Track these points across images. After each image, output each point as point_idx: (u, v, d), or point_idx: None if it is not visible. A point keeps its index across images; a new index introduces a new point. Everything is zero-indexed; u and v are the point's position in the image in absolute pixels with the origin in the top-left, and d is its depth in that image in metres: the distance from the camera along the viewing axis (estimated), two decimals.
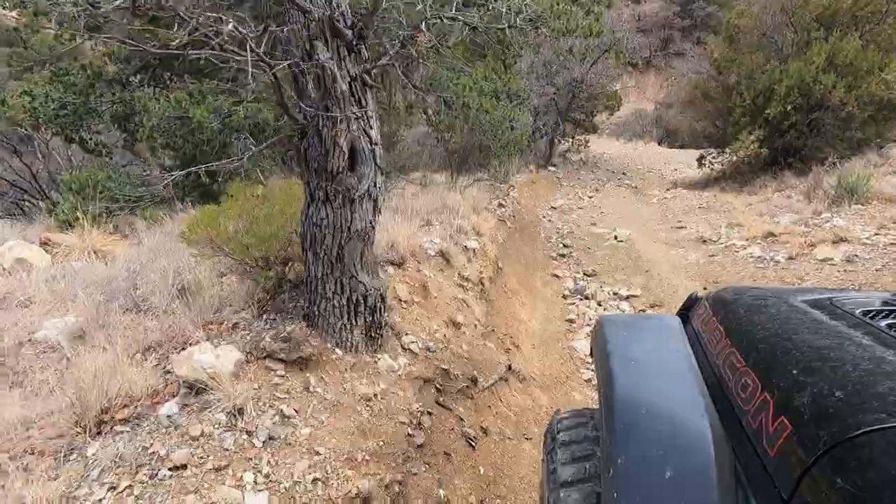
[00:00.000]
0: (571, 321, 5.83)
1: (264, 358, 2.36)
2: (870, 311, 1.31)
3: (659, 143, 24.31)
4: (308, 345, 2.44)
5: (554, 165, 15.11)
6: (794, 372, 1.04)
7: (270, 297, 2.94)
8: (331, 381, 2.45)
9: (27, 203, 8.70)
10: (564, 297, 6.73)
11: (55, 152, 10.48)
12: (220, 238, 2.81)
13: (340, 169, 2.29)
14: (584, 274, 7.53)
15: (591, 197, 12.70)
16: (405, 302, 3.40)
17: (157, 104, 6.18)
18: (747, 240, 7.27)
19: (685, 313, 1.86)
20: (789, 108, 10.37)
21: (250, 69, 1.64)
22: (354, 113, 2.30)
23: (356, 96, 2.31)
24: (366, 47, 2.32)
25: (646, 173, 16.94)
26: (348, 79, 2.25)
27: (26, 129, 10.31)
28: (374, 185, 2.47)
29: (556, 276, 7.51)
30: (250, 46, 1.68)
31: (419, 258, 4.14)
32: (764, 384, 1.09)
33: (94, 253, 5.54)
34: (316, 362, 2.47)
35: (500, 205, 10.03)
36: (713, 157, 13.44)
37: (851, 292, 1.67)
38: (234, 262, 3.20)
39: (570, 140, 16.31)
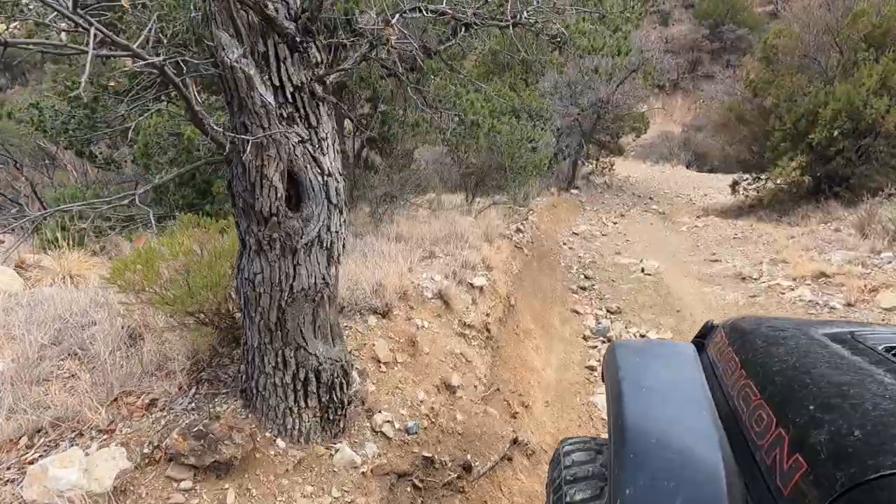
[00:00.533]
0: (592, 368, 5.06)
1: (169, 461, 1.72)
2: (893, 348, 1.24)
3: (687, 167, 23.31)
4: (231, 442, 1.78)
5: (577, 188, 14.35)
6: (812, 408, 1.00)
7: (209, 361, 2.32)
8: (260, 494, 1.79)
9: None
10: (585, 337, 5.95)
11: (70, 166, 10.29)
12: (148, 285, 2.22)
13: (274, 209, 1.65)
14: (608, 311, 6.74)
15: (615, 223, 11.88)
16: (385, 364, 2.73)
17: (150, 120, 5.74)
18: (794, 279, 6.38)
19: (700, 341, 1.79)
20: (836, 133, 9.43)
21: (89, 64, 1.02)
22: (299, 135, 1.67)
23: (302, 112, 1.68)
24: (317, 47, 1.70)
25: (674, 198, 16.01)
26: (291, 87, 1.63)
27: (42, 143, 10.14)
28: (328, 230, 1.83)
29: (576, 312, 6.74)
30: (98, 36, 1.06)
31: (412, 302, 3.48)
32: (779, 419, 1.06)
33: (70, 277, 5.05)
34: (243, 464, 1.82)
35: (518, 230, 9.34)
36: (748, 184, 12.49)
37: (876, 326, 1.59)
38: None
39: (595, 162, 15.54)
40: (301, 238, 1.75)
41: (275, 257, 1.75)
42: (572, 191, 13.98)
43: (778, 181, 10.54)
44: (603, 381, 1.69)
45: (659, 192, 16.64)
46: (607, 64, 12.42)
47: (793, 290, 6.13)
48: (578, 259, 8.95)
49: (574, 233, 10.73)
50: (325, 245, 1.85)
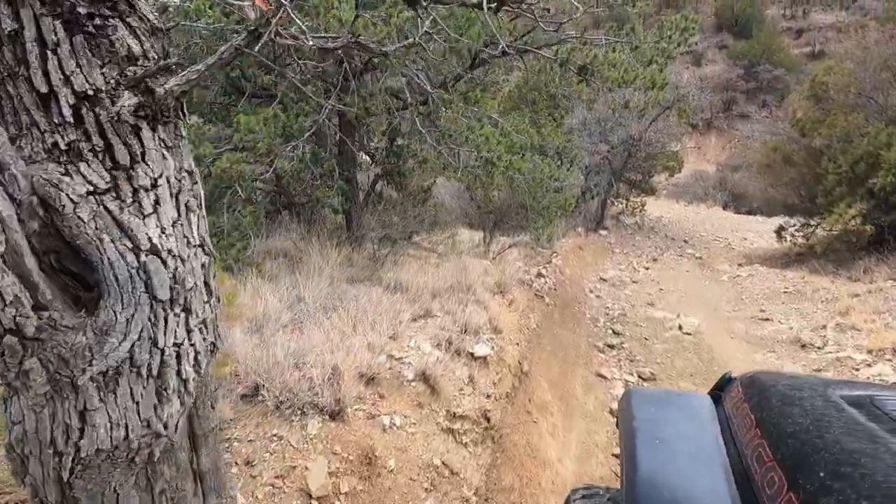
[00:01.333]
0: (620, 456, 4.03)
1: None
2: None
3: (723, 208, 21.94)
4: None
5: (605, 229, 13.35)
6: (822, 474, 0.98)
7: None
8: None
9: None
10: (612, 412, 4.95)
11: None
12: None
13: (16, 319, 0.87)
14: (639, 377, 5.71)
15: (647, 268, 10.79)
16: (319, 500, 1.88)
17: None
18: (870, 352, 5.22)
19: (717, 393, 1.71)
20: None
21: None
22: (87, 181, 0.91)
23: (97, 140, 0.92)
24: (133, 29, 0.95)
25: (711, 242, 14.78)
26: (71, 97, 0.87)
27: None
28: (155, 346, 1.03)
29: (603, 377, 5.73)
30: None
31: (384, 388, 2.65)
32: (790, 483, 1.03)
33: None
34: None
35: (540, 274, 8.42)
36: (796, 229, 11.26)
37: None
38: None
39: (625, 202, 14.55)
40: (91, 364, 0.95)
41: (41, 400, 0.95)
42: (601, 232, 13.00)
43: (833, 229, 9.32)
44: (617, 427, 1.65)
45: (694, 235, 15.43)
46: (639, 99, 11.63)
47: (870, 365, 4.98)
48: (606, 310, 7.93)
49: (602, 278, 9.72)
50: (148, 372, 1.04)
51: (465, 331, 3.76)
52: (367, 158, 8.57)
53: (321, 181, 5.40)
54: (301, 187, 5.57)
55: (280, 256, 5.97)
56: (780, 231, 11.59)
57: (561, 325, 6.89)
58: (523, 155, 5.87)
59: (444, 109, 4.99)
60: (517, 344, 4.72)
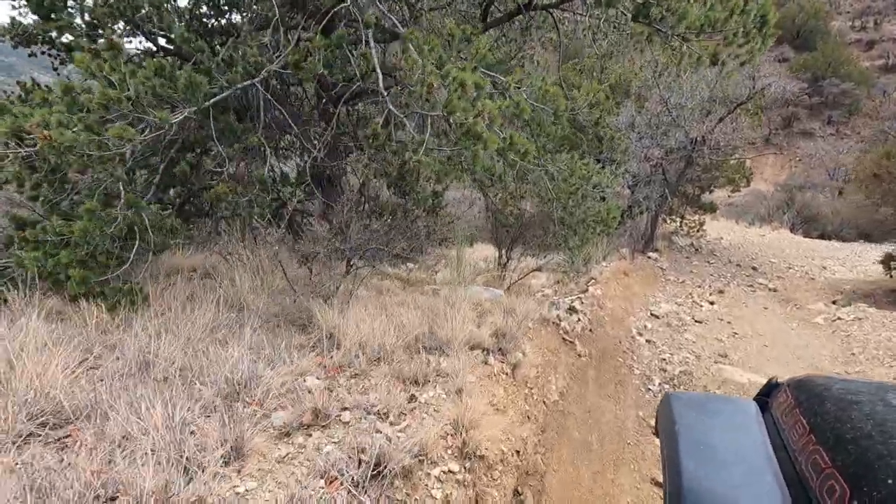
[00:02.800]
0: None
1: None
2: None
3: (791, 231, 18.78)
4: None
5: (656, 251, 10.88)
6: (891, 482, 0.91)
7: None
8: None
9: None
10: None
11: None
12: None
13: None
14: None
15: (712, 303, 8.31)
16: None
17: None
18: None
19: (763, 399, 1.61)
20: None
21: None
22: None
23: None
24: None
25: (785, 270, 11.99)
26: None
27: None
28: None
29: (661, 486, 3.44)
30: None
31: None
32: (853, 490, 0.95)
33: None
34: None
35: (572, 309, 6.22)
36: None
37: None
38: None
39: (679, 220, 12.02)
40: None
41: None
42: (650, 254, 10.55)
43: None
44: (656, 435, 1.56)
45: (763, 261, 12.65)
46: (702, 94, 9.25)
47: None
48: (662, 364, 5.61)
49: (653, 315, 7.35)
50: None
51: (381, 473, 1.68)
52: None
53: (244, 171, 3.51)
54: (198, 176, 3.69)
55: (198, 276, 4.10)
56: (888, 261, 8.82)
57: (598, 388, 4.66)
58: (538, 131, 3.77)
59: (414, 52, 3.01)
60: (514, 454, 2.57)
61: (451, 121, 2.86)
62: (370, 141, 4.13)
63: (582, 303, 6.76)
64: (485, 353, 3.16)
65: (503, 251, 6.19)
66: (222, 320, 3.15)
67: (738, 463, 1.23)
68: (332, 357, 2.63)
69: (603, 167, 6.65)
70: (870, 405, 1.19)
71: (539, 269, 6.47)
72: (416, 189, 7.32)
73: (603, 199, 6.48)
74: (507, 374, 3.13)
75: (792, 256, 13.77)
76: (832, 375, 1.69)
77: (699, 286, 9.34)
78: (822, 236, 18.78)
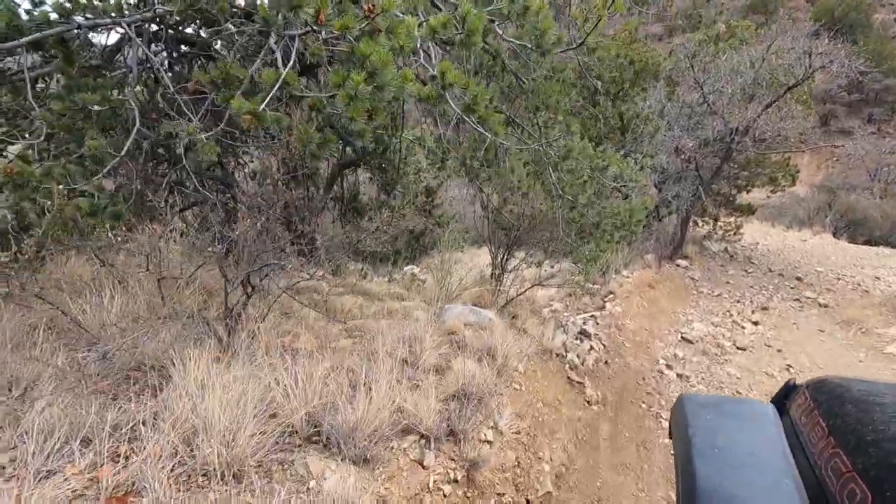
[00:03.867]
0: None
1: None
2: None
3: (834, 235, 16.86)
4: None
5: (686, 258, 9.38)
6: None
7: None
8: None
9: None
10: None
11: None
12: None
13: None
14: None
15: (756, 323, 6.83)
16: None
17: None
18: None
19: (781, 401, 1.52)
20: None
21: None
22: None
23: None
24: None
25: (834, 281, 10.32)
26: None
27: None
28: None
29: None
30: None
31: None
32: (876, 496, 0.90)
33: None
34: None
35: (583, 334, 4.95)
36: None
37: None
38: None
39: (712, 222, 10.47)
40: None
41: None
42: (678, 262, 9.06)
43: None
44: (670, 437, 1.47)
45: (808, 270, 10.98)
46: (745, 77, 7.74)
47: None
48: None
49: (685, 339, 5.94)
50: None
51: None
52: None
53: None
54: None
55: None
56: None
57: (613, 454, 3.34)
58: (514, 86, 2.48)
59: None
60: None
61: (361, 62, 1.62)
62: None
63: (597, 323, 5.43)
64: (423, 443, 1.90)
65: (497, 259, 4.89)
66: (25, 374, 1.97)
67: (754, 465, 1.15)
68: (117, 470, 1.43)
69: (626, 156, 5.29)
70: (893, 406, 1.12)
71: (540, 283, 5.14)
72: (396, 180, 6.09)
73: (626, 196, 5.13)
74: (457, 480, 1.87)
75: (839, 265, 12.03)
76: (852, 377, 1.47)
77: (738, 301, 7.83)
78: (868, 242, 16.79)
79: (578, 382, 3.90)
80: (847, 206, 17.90)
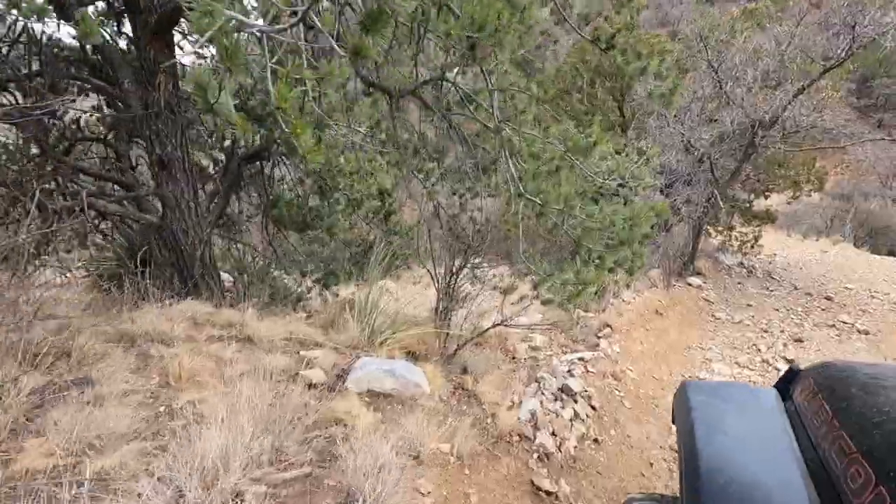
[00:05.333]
0: None
1: None
2: None
3: (855, 245, 15.21)
4: None
5: (698, 273, 7.84)
6: None
7: None
8: None
9: None
10: None
11: None
12: None
13: None
14: None
15: (790, 360, 5.29)
16: None
17: None
18: None
19: (784, 386, 1.55)
20: None
21: None
22: None
23: None
24: None
25: (868, 300, 8.75)
26: None
27: None
28: None
29: None
30: None
31: None
32: (879, 476, 0.90)
33: None
34: None
35: (565, 391, 3.45)
36: None
37: None
38: None
39: (727, 232, 8.94)
40: None
41: None
42: (690, 279, 7.52)
43: None
44: (673, 423, 1.48)
45: (836, 287, 9.38)
46: (771, 57, 6.28)
47: None
48: None
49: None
50: None
51: None
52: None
53: None
54: None
55: None
56: None
57: None
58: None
59: None
60: None
61: None
62: None
63: (587, 371, 3.94)
64: None
65: (444, 285, 3.40)
66: None
67: (758, 448, 1.14)
68: None
69: (625, 147, 3.81)
70: None
71: (503, 323, 3.61)
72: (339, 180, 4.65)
73: (626, 201, 3.65)
74: None
75: (868, 280, 10.39)
76: (856, 361, 1.51)
77: (765, 330, 6.28)
78: (891, 253, 15.13)
79: (548, 493, 2.41)
80: (867, 213, 16.24)
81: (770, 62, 6.48)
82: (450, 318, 3.52)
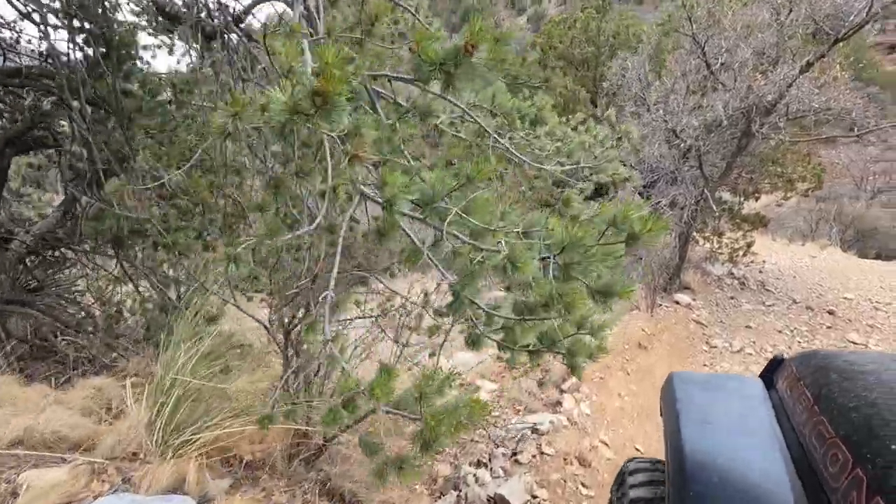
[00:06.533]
0: None
1: None
2: None
3: (843, 250, 14.32)
4: None
5: (686, 289, 6.61)
6: (894, 447, 0.85)
7: None
8: None
9: None
10: None
11: None
12: None
13: None
14: None
15: None
16: None
17: None
18: None
19: (769, 376, 1.55)
20: None
21: None
22: None
23: None
24: None
25: (872, 312, 7.71)
26: None
27: None
28: None
29: None
30: None
31: None
32: (856, 459, 0.90)
33: None
34: None
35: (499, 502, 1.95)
36: None
37: None
38: None
39: (715, 239, 7.75)
40: None
41: None
42: (677, 296, 6.25)
43: None
44: (661, 415, 1.48)
45: (835, 298, 8.28)
46: (769, 35, 5.11)
47: None
48: None
49: None
50: None
51: None
52: None
53: None
54: None
55: None
56: None
57: None
58: None
59: None
60: None
61: None
62: None
63: (541, 451, 2.59)
64: None
65: (285, 345, 2.02)
66: None
67: (742, 435, 1.15)
68: None
69: (585, 122, 2.52)
70: (874, 374, 1.13)
71: (448, 379, 2.28)
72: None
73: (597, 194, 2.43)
74: None
75: (865, 287, 9.35)
76: (837, 350, 1.49)
77: (766, 354, 5.05)
78: (879, 256, 14.30)
79: None
80: (852, 216, 15.43)
81: (766, 37, 5.31)
82: (311, 388, 2.13)
